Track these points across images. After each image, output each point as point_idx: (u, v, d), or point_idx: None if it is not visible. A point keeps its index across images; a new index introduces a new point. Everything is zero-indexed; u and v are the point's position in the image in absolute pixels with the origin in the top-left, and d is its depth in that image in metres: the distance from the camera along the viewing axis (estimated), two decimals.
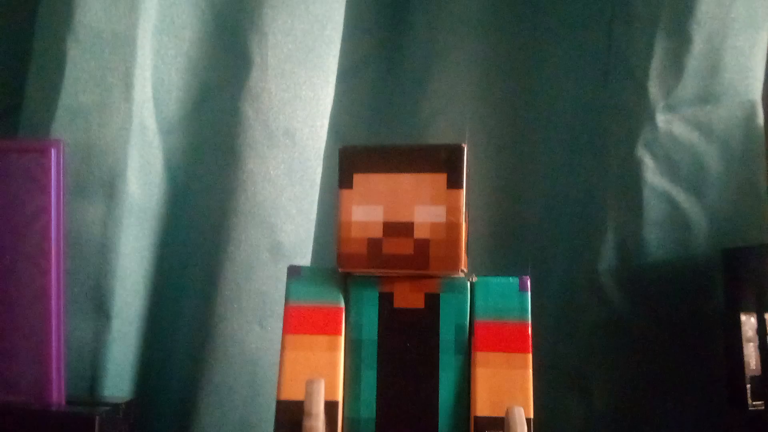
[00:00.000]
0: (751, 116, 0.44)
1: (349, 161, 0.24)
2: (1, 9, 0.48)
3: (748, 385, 0.40)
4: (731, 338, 0.40)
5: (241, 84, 0.44)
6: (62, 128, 0.42)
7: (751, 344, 0.40)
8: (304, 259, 0.46)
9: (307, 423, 0.21)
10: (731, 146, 0.44)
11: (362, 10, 0.50)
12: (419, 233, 0.23)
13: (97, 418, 0.37)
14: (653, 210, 0.44)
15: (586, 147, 0.46)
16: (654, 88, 0.43)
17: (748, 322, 0.40)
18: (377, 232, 0.24)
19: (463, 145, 0.24)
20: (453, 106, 0.49)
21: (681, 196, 0.44)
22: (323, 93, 0.46)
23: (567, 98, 0.46)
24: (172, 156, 0.46)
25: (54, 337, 0.39)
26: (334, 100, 0.47)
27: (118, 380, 0.44)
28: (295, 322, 0.24)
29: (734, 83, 0.43)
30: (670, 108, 0.43)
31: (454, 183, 0.24)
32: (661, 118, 0.43)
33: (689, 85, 0.43)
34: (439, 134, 0.49)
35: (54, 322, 0.39)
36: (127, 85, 0.43)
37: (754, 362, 0.40)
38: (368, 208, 0.24)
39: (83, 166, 0.43)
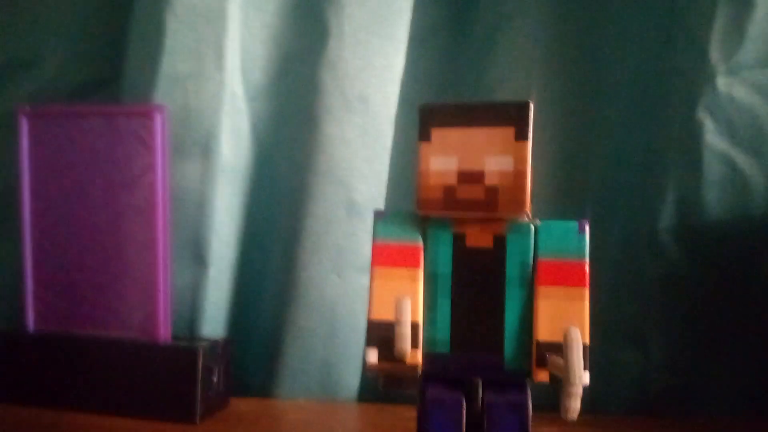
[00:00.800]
0: None
1: (428, 117, 0.27)
2: None
3: None
4: None
5: (319, 53, 0.48)
6: (162, 95, 0.47)
7: None
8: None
9: (398, 329, 0.25)
10: None
11: None
12: (489, 180, 0.27)
13: (200, 350, 0.42)
14: (712, 171, 0.46)
15: (648, 109, 0.47)
16: (715, 52, 0.45)
17: None
18: (452, 180, 0.27)
19: (530, 101, 0.27)
20: (518, 71, 0.51)
21: (740, 158, 0.45)
22: (395, 61, 0.49)
23: (630, 62, 0.48)
24: (258, 121, 0.51)
25: (160, 281, 0.44)
26: (404, 67, 0.50)
27: (214, 322, 0.49)
28: (382, 257, 0.28)
29: None
30: (730, 71, 0.45)
31: (521, 135, 0.27)
32: (721, 82, 0.45)
33: (750, 49, 0.44)
34: (505, 98, 0.51)
35: (160, 268, 0.44)
36: (219, 56, 0.48)
37: None
38: (444, 158, 0.27)
39: (182, 130, 0.48)
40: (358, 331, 0.48)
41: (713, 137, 0.45)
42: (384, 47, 0.49)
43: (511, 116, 0.27)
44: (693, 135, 0.45)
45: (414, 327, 0.26)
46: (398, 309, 0.25)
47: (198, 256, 0.48)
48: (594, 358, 0.27)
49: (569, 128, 0.50)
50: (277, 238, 0.50)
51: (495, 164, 0.27)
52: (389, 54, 0.49)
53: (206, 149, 0.48)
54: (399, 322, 0.25)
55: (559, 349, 0.26)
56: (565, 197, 0.49)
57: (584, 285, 0.27)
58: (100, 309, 0.45)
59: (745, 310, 0.46)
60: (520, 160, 0.27)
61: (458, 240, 0.28)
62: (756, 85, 0.45)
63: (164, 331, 0.44)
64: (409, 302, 0.25)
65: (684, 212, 0.46)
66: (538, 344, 0.27)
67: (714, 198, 0.46)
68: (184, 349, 0.43)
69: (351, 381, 0.49)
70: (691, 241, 0.46)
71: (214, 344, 0.44)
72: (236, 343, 0.48)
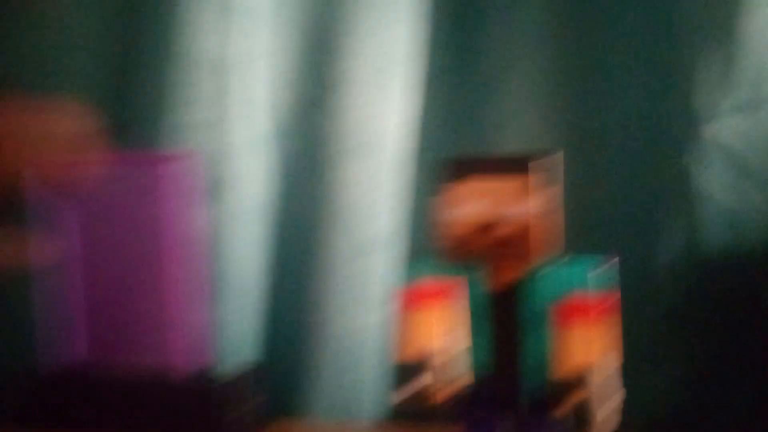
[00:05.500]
0: None
1: (449, 169, 0.30)
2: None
3: None
4: None
5: (324, 102, 0.52)
6: (187, 140, 0.51)
7: None
8: (392, 252, 0.52)
9: (428, 371, 0.28)
10: None
11: (437, 25, 0.54)
12: (513, 227, 0.29)
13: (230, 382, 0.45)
14: (702, 214, 0.48)
15: (638, 155, 0.50)
16: (698, 101, 0.47)
17: None
18: (476, 228, 0.30)
19: (555, 152, 0.30)
20: (521, 114, 0.53)
21: (729, 200, 0.47)
22: (396, 107, 0.52)
23: (619, 108, 0.50)
24: (274, 163, 0.54)
25: (200, 315, 0.46)
26: (410, 108, 0.52)
27: (241, 353, 0.52)
28: (413, 300, 0.30)
29: None
30: (713, 118, 0.47)
31: (544, 183, 0.29)
32: (705, 129, 0.47)
33: (733, 96, 0.46)
34: (509, 141, 0.53)
35: (193, 301, 0.46)
36: (239, 103, 0.51)
37: None
38: (467, 207, 0.30)
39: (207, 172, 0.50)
40: (379, 364, 0.50)
41: (700, 183, 0.47)
42: (386, 94, 0.51)
43: (533, 166, 0.29)
44: (680, 181, 0.48)
45: (443, 364, 0.29)
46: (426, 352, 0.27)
47: (228, 290, 0.51)
48: None
49: (570, 170, 0.52)
50: (297, 275, 0.53)
51: (518, 211, 0.29)
52: (390, 100, 0.52)
53: (226, 192, 0.51)
54: (430, 365, 0.28)
55: (578, 385, 0.29)
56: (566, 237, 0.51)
57: (607, 320, 0.29)
58: (138, 341, 0.47)
59: (749, 343, 0.47)
60: (543, 206, 0.29)
61: (484, 281, 0.30)
62: (739, 130, 0.47)
63: (201, 361, 0.46)
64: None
65: (680, 252, 0.48)
66: (557, 382, 0.29)
67: (706, 239, 0.48)
68: (217, 379, 0.45)
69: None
70: (691, 279, 0.48)
71: (244, 375, 0.46)
72: (265, 373, 0.49)
